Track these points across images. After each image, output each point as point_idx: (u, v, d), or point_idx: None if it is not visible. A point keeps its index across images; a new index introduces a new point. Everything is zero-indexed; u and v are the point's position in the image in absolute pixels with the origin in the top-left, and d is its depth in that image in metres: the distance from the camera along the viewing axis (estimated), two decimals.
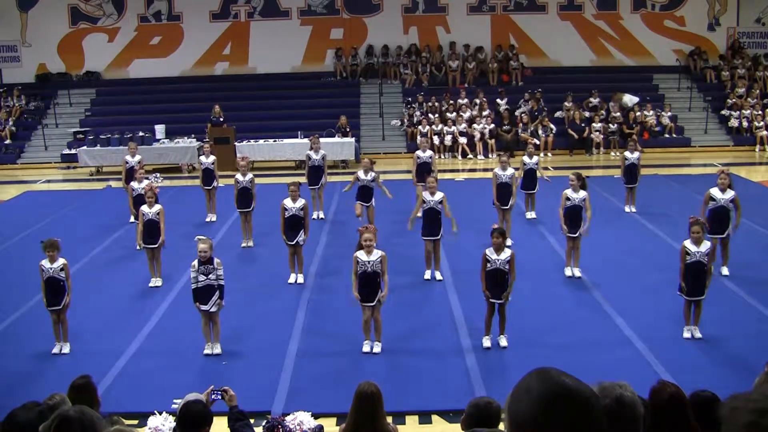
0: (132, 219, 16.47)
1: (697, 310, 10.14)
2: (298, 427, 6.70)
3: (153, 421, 6.41)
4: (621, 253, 14.04)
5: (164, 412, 6.52)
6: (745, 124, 26.58)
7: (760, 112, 26.52)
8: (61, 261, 10.12)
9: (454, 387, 8.93)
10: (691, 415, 4.40)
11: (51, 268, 10.06)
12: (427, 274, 12.79)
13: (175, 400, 7.22)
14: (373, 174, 14.86)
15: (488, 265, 9.81)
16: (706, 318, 10.30)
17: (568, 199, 12.54)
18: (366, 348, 9.94)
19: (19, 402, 4.48)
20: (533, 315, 11.13)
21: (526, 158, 16.26)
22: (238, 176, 14.94)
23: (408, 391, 8.83)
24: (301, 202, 12.64)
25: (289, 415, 6.98)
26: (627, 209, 16.93)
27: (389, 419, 6.23)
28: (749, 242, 14.05)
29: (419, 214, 12.81)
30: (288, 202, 12.63)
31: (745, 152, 25.78)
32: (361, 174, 14.86)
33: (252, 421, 6.37)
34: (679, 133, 26.82)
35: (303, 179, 15.92)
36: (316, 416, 7.09)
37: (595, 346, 9.93)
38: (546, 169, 20.88)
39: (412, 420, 8.33)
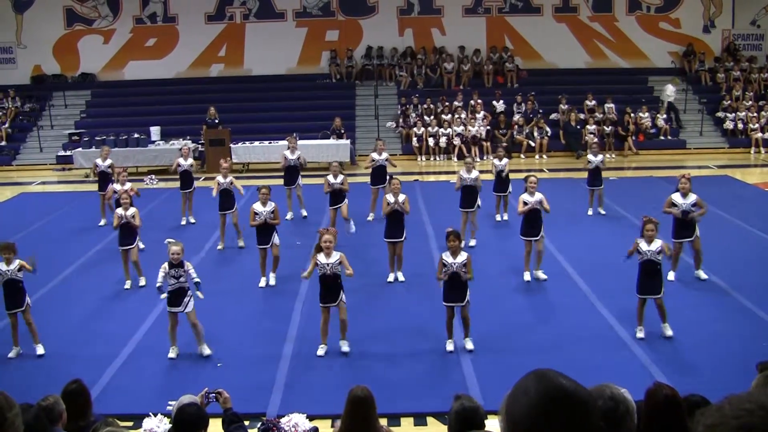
0: (102, 222, 16.65)
1: (660, 308, 10.17)
2: (293, 429, 6.69)
3: (148, 423, 6.39)
4: (615, 255, 14.03)
5: (159, 414, 6.50)
6: (740, 126, 26.64)
7: (755, 114, 26.58)
8: (17, 262, 10.07)
9: (449, 389, 8.89)
10: (686, 417, 4.40)
11: (8, 270, 10.02)
12: (390, 277, 12.84)
13: (169, 402, 7.21)
14: (342, 177, 14.88)
15: (445, 268, 9.84)
16: (701, 319, 10.31)
17: (525, 203, 12.55)
18: (321, 352, 9.93)
19: None
20: (528, 316, 11.14)
21: (496, 161, 16.32)
22: (219, 178, 14.95)
23: (403, 393, 8.82)
24: (271, 206, 12.64)
25: (284, 417, 6.97)
26: (591, 212, 16.93)
27: (384, 421, 6.23)
28: (744, 244, 14.07)
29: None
30: (258, 206, 12.64)
31: (740, 154, 25.83)
32: (330, 178, 14.87)
33: (247, 423, 6.36)
34: (675, 135, 26.87)
35: (306, 180, 15.96)
36: (311, 418, 7.08)
37: (589, 348, 9.92)
38: (540, 170, 20.91)
39: (407, 422, 8.32)
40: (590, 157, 16.89)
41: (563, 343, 10.11)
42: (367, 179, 17.09)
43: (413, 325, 10.98)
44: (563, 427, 1.94)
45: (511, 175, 16.37)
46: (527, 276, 12.69)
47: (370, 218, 16.55)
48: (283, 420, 6.84)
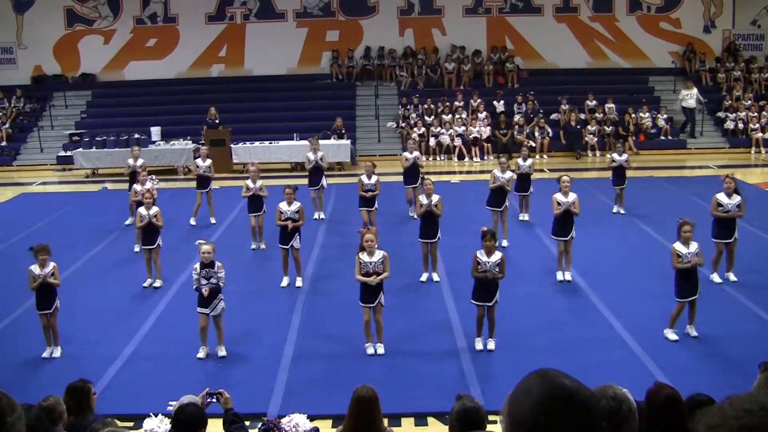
0: (129, 221, 16.52)
1: (692, 309, 10.16)
2: (293, 429, 6.67)
3: (149, 423, 6.38)
4: (615, 255, 14.04)
5: (160, 414, 6.49)
6: (740, 126, 26.61)
7: (755, 114, 26.57)
8: (51, 265, 10.11)
9: (450, 389, 8.89)
10: (687, 417, 4.40)
11: (41, 274, 10.05)
12: (424, 276, 12.82)
13: (170, 402, 7.20)
14: (376, 178, 14.90)
15: (479, 267, 9.85)
16: (703, 319, 10.30)
17: (559, 203, 12.54)
18: (370, 350, 9.96)
19: None
20: (528, 317, 11.13)
21: (520, 161, 16.36)
22: (249, 183, 14.87)
23: (404, 393, 8.82)
24: (296, 206, 12.63)
25: (284, 417, 6.96)
26: (615, 210, 17.03)
27: (385, 421, 6.23)
28: (745, 245, 14.04)
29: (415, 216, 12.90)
30: (283, 206, 12.63)
31: (741, 154, 25.79)
32: (364, 179, 14.89)
33: (248, 423, 6.35)
34: (675, 135, 26.84)
35: (303, 181, 15.97)
36: (312, 418, 7.06)
37: (590, 348, 9.92)
38: (541, 170, 20.93)
39: (407, 422, 8.32)
40: (615, 156, 17.05)
41: (565, 343, 10.10)
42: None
43: (414, 324, 10.97)
44: (566, 428, 1.94)
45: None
46: (560, 276, 12.63)
47: (412, 214, 16.42)
48: (283, 420, 6.82)
